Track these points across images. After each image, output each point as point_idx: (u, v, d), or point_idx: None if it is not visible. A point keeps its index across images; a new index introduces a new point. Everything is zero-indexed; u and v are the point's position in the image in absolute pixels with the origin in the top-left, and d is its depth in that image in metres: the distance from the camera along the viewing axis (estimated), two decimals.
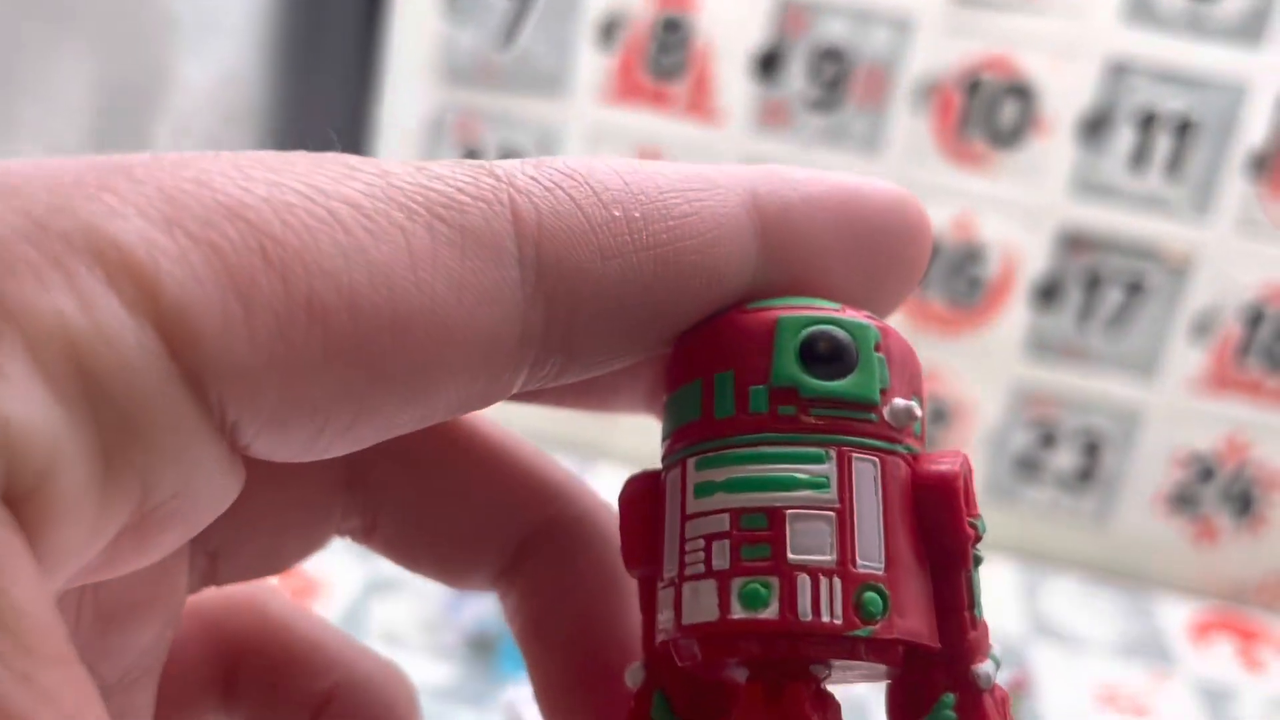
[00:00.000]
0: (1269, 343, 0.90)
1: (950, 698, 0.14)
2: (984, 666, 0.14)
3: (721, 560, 0.14)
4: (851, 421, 0.14)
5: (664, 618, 0.15)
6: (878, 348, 0.15)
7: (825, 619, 0.14)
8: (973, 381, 0.93)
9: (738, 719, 0.14)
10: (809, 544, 0.14)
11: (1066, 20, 0.86)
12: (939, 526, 0.14)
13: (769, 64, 0.88)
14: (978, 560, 0.15)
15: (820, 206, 0.15)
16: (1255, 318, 0.89)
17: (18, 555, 0.10)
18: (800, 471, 0.14)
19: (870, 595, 0.14)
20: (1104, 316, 0.91)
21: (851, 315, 0.15)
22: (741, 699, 0.15)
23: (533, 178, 0.14)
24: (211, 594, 0.20)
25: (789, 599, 0.14)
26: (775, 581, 0.14)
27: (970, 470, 0.15)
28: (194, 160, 0.12)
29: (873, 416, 0.15)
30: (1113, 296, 0.90)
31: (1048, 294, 0.90)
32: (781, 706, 0.14)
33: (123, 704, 0.16)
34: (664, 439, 0.16)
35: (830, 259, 0.16)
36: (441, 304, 0.13)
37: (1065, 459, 0.94)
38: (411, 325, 0.12)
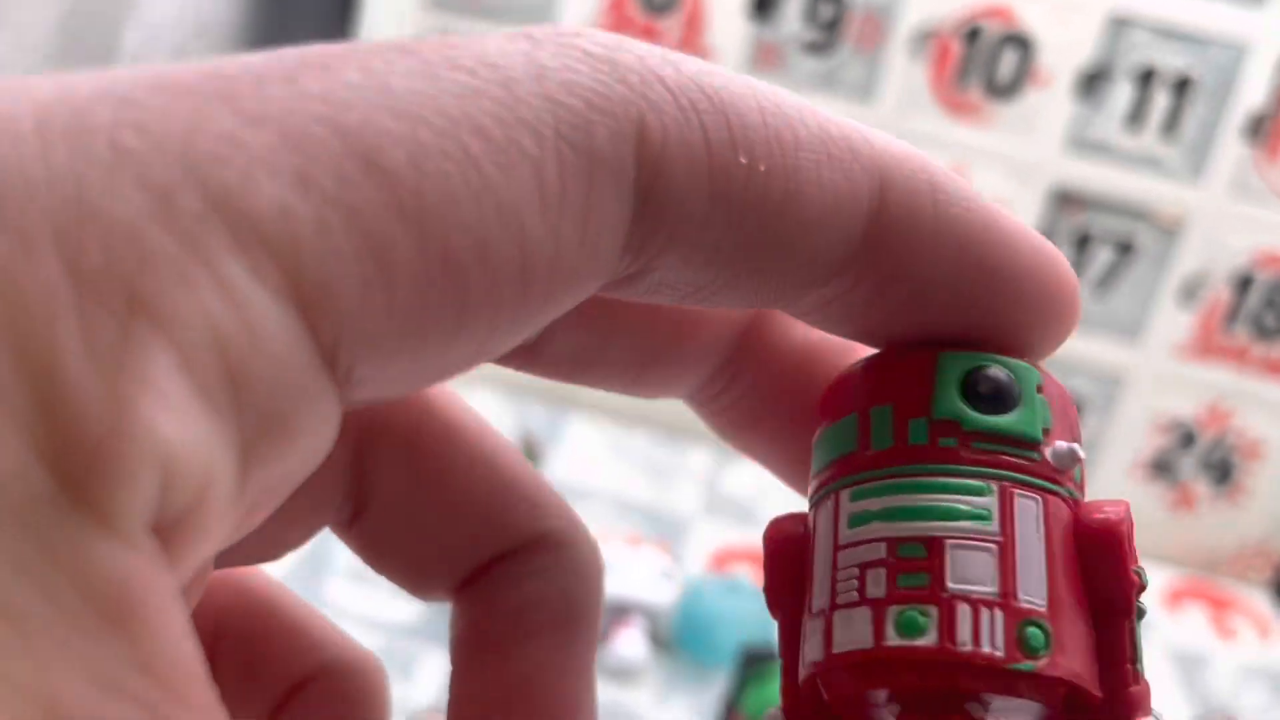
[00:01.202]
0: (1257, 310, 0.89)
1: None
2: None
3: (877, 588, 0.14)
4: (1014, 458, 0.14)
5: (810, 648, 0.14)
6: (1040, 390, 0.15)
7: (986, 649, 0.13)
8: None
9: None
10: (970, 574, 0.13)
11: None
12: (1102, 574, 0.14)
13: (764, 2, 0.86)
14: (1141, 612, 0.14)
15: (952, 237, 0.14)
16: (1244, 283, 0.88)
17: (169, 600, 0.10)
18: (961, 502, 0.14)
19: (1033, 630, 0.13)
20: (1092, 277, 0.89)
21: (1022, 362, 0.15)
22: None
23: (670, 90, 0.13)
24: None
25: (948, 627, 0.13)
26: (934, 610, 0.13)
27: (1132, 521, 0.14)
28: (302, 77, 0.11)
29: (1035, 455, 0.14)
30: (1102, 256, 0.89)
31: None
32: None
33: None
34: (813, 477, 0.16)
35: (941, 297, 0.15)
36: (566, 245, 0.12)
37: None
38: (536, 271, 0.12)
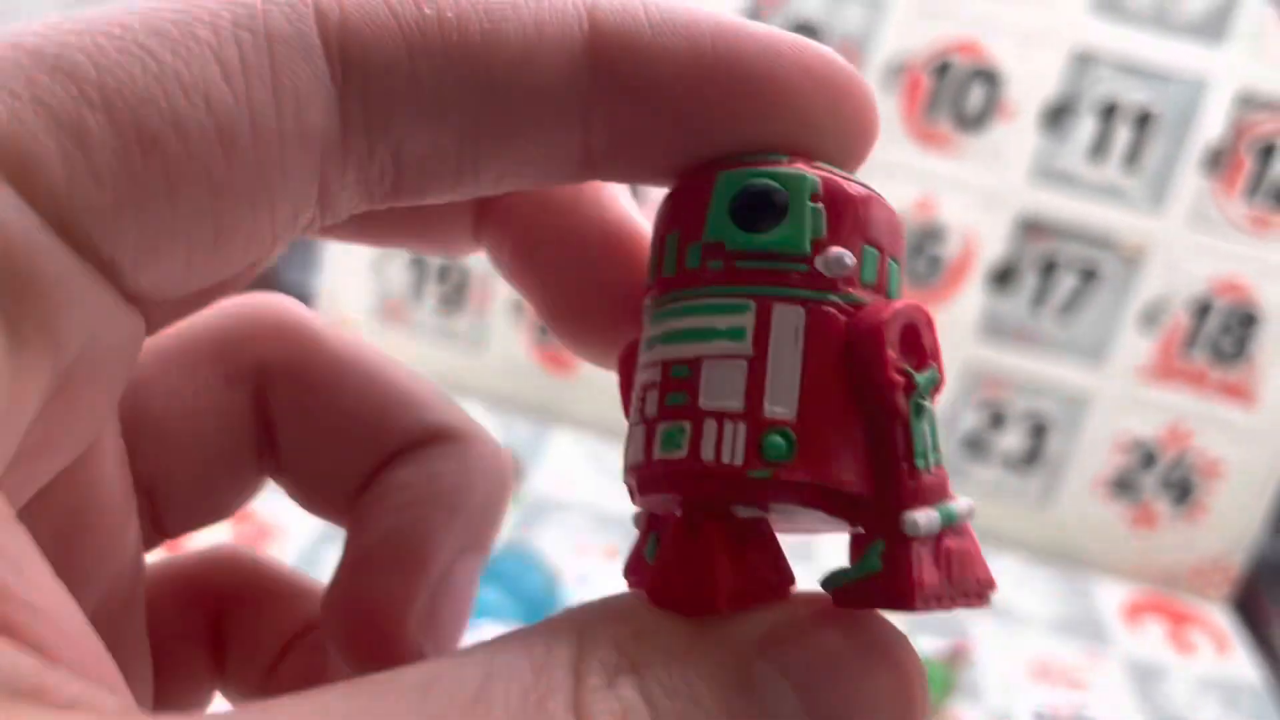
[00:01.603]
0: (1215, 335, 0.92)
1: (879, 544, 0.14)
2: (916, 513, 0.14)
3: (651, 408, 0.15)
4: (777, 272, 0.14)
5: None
6: (814, 198, 0.15)
7: (726, 460, 0.14)
8: None
9: (659, 552, 0.15)
10: (719, 390, 0.14)
11: (1036, 8, 0.87)
12: (863, 375, 0.14)
13: None
14: (919, 409, 0.14)
15: (675, 38, 0.15)
16: (1203, 310, 0.92)
17: None
18: (719, 322, 0.14)
19: (773, 439, 0.14)
20: (1057, 302, 0.92)
21: (792, 167, 0.15)
22: (666, 534, 0.15)
23: None
24: (187, 557, 0.21)
25: (695, 441, 0.14)
26: (688, 425, 0.14)
27: (921, 320, 0.14)
28: (7, 32, 0.13)
29: (802, 267, 0.14)
30: (1067, 282, 0.92)
31: (1004, 277, 0.92)
32: (696, 542, 0.14)
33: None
34: None
35: (694, 105, 0.15)
36: (261, 109, 0.13)
37: (1012, 440, 0.96)
38: (237, 135, 0.13)
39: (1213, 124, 0.87)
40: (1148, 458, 0.96)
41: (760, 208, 0.15)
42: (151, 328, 0.15)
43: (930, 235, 0.91)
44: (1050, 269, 0.92)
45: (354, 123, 0.14)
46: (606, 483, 0.94)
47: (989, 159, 0.89)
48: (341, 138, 0.14)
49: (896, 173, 0.89)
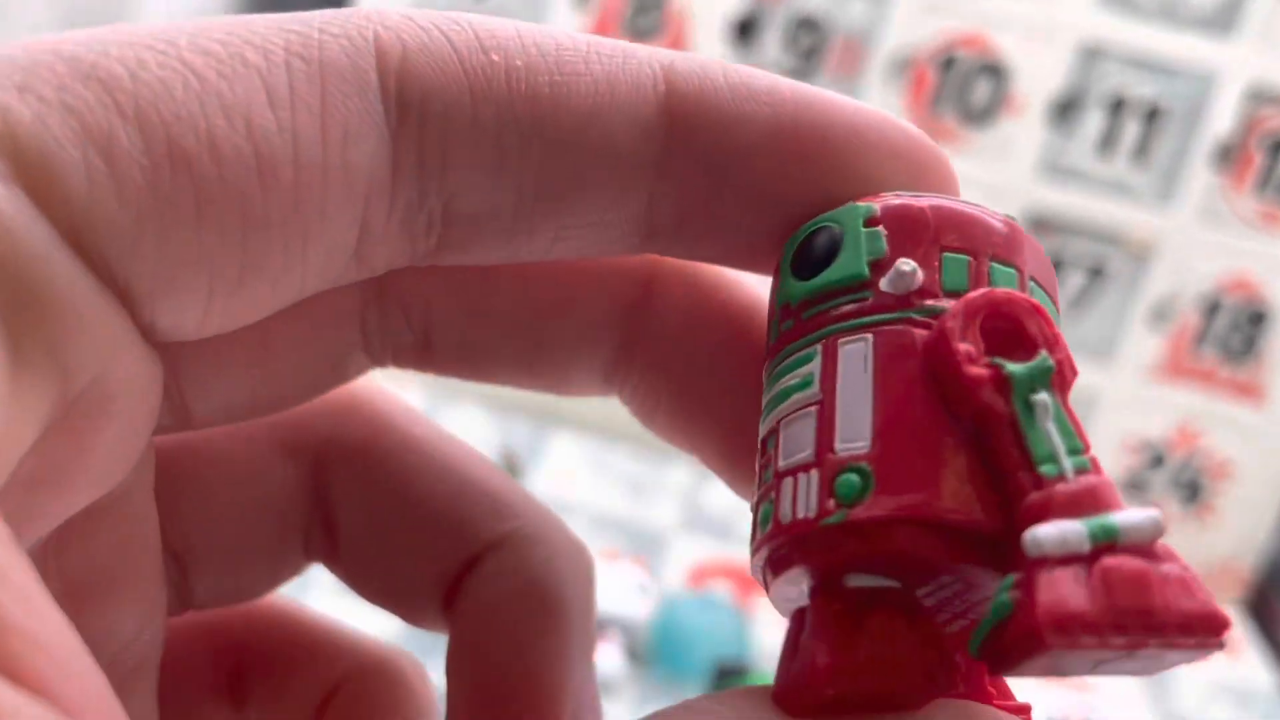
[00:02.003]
0: (1224, 333, 0.91)
1: (1010, 578, 0.11)
2: (1039, 530, 0.11)
3: (757, 487, 0.14)
4: (840, 308, 0.13)
5: None
6: (870, 222, 0.13)
7: (801, 515, 0.12)
8: None
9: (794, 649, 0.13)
10: (793, 447, 0.13)
11: (1042, 2, 0.86)
12: (942, 382, 0.12)
13: (745, 30, 0.88)
14: (1030, 406, 0.12)
15: (756, 104, 0.14)
16: (1212, 307, 0.90)
17: None
18: (791, 380, 0.13)
19: (846, 478, 0.12)
20: (1065, 300, 0.91)
21: (851, 202, 0.14)
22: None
23: (409, 18, 0.13)
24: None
25: (777, 508, 0.13)
26: (773, 495, 0.13)
27: (1021, 307, 0.13)
28: (51, 37, 0.12)
29: (865, 294, 0.13)
30: (1074, 280, 0.91)
31: None
32: (811, 628, 0.13)
33: None
34: None
35: (763, 163, 0.14)
36: (305, 140, 0.12)
37: None
38: (277, 165, 0.12)
39: (1222, 118, 0.86)
40: (1156, 458, 0.95)
41: (816, 252, 0.14)
42: (168, 385, 0.14)
43: None
44: (1057, 266, 0.91)
45: (406, 166, 0.13)
46: (606, 484, 0.93)
47: (995, 154, 0.88)
48: (390, 182, 0.13)
49: None
